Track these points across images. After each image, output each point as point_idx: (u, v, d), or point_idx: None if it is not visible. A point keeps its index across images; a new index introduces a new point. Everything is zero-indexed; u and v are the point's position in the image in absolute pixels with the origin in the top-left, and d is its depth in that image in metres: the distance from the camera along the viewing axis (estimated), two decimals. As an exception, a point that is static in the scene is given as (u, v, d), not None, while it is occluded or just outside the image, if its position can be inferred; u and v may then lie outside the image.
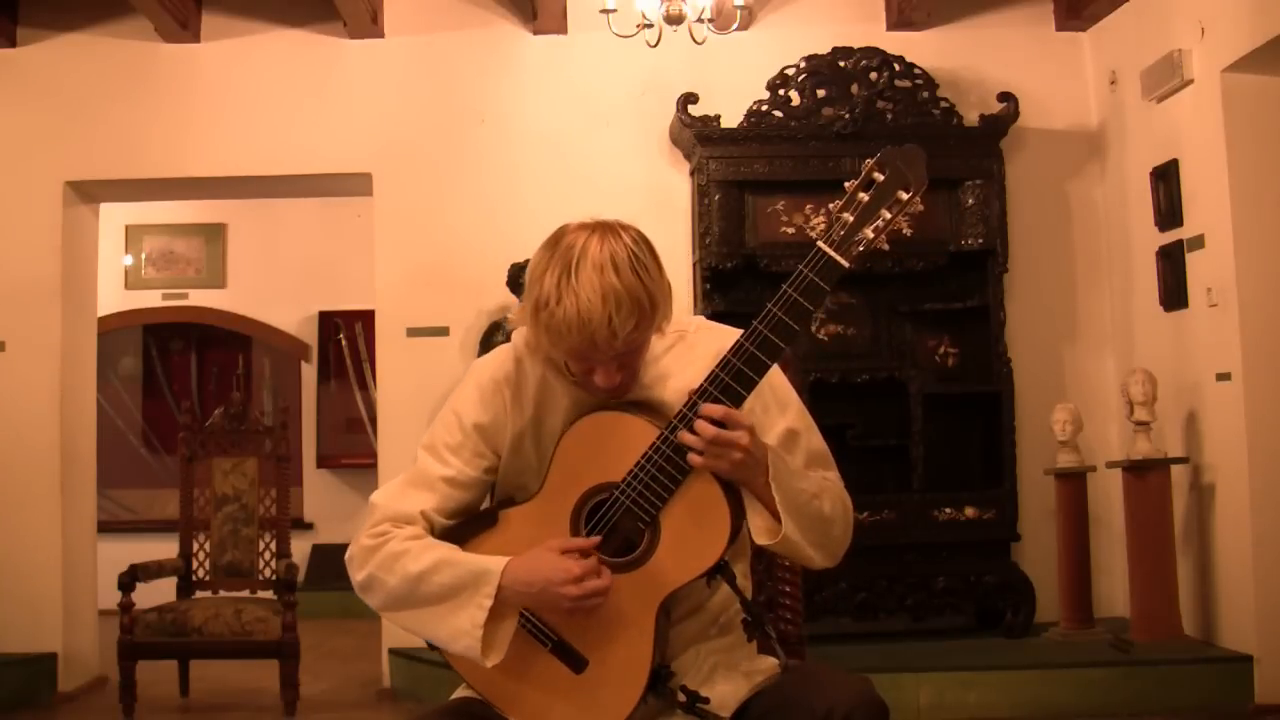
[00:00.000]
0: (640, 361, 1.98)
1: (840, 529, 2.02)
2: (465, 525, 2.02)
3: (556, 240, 1.91)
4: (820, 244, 1.86)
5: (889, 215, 1.86)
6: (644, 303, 1.86)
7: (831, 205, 1.90)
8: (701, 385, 1.89)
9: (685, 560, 1.92)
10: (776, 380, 2.02)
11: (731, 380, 1.87)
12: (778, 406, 2.03)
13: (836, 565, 2.05)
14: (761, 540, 1.93)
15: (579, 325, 1.82)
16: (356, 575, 2.00)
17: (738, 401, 1.88)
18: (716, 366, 1.88)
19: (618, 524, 1.94)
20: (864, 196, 1.86)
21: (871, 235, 1.85)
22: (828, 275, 1.85)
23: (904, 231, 5.52)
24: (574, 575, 1.87)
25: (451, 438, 2.03)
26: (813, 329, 5.52)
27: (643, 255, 1.89)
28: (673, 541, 1.92)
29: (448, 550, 1.96)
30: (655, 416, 1.96)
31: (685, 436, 1.86)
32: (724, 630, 2.06)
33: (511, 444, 2.03)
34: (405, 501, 2.01)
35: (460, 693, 2.08)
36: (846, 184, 1.88)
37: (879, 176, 1.87)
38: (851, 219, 1.86)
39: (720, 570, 1.95)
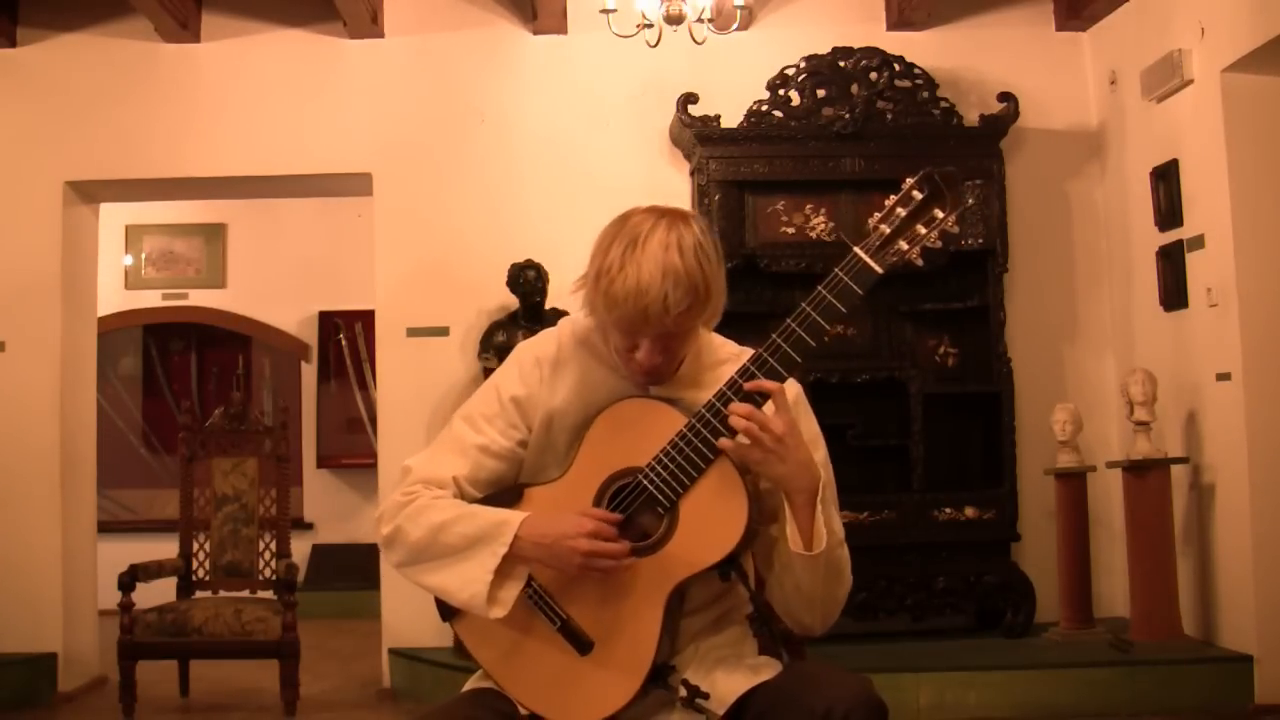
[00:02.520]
0: (683, 350, 2.04)
1: (842, 591, 2.05)
2: (490, 499, 2.06)
3: (625, 218, 2.00)
4: (856, 250, 1.94)
5: (924, 230, 1.93)
6: (699, 288, 1.93)
7: (870, 219, 1.96)
8: (732, 377, 1.95)
9: (700, 549, 1.94)
10: (806, 420, 2.07)
11: (764, 375, 1.93)
12: (810, 444, 2.03)
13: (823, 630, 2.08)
14: (795, 549, 1.95)
15: (635, 295, 1.90)
16: (384, 529, 2.06)
17: (764, 399, 1.93)
18: (749, 360, 1.95)
19: (638, 509, 1.97)
20: (901, 211, 1.94)
21: (906, 247, 1.93)
22: (862, 280, 1.92)
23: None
24: (587, 530, 1.92)
25: (488, 408, 2.10)
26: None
27: (707, 245, 1.96)
28: (689, 530, 1.95)
29: (472, 506, 2.02)
30: (686, 410, 1.99)
31: (734, 406, 1.91)
32: (729, 627, 2.08)
33: (542, 421, 2.08)
34: (439, 466, 2.08)
35: (471, 684, 2.10)
36: (887, 200, 1.95)
37: (917, 194, 1.94)
38: (888, 230, 1.93)
39: (734, 565, 1.96)
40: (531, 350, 2.13)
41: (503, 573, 1.95)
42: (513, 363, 2.14)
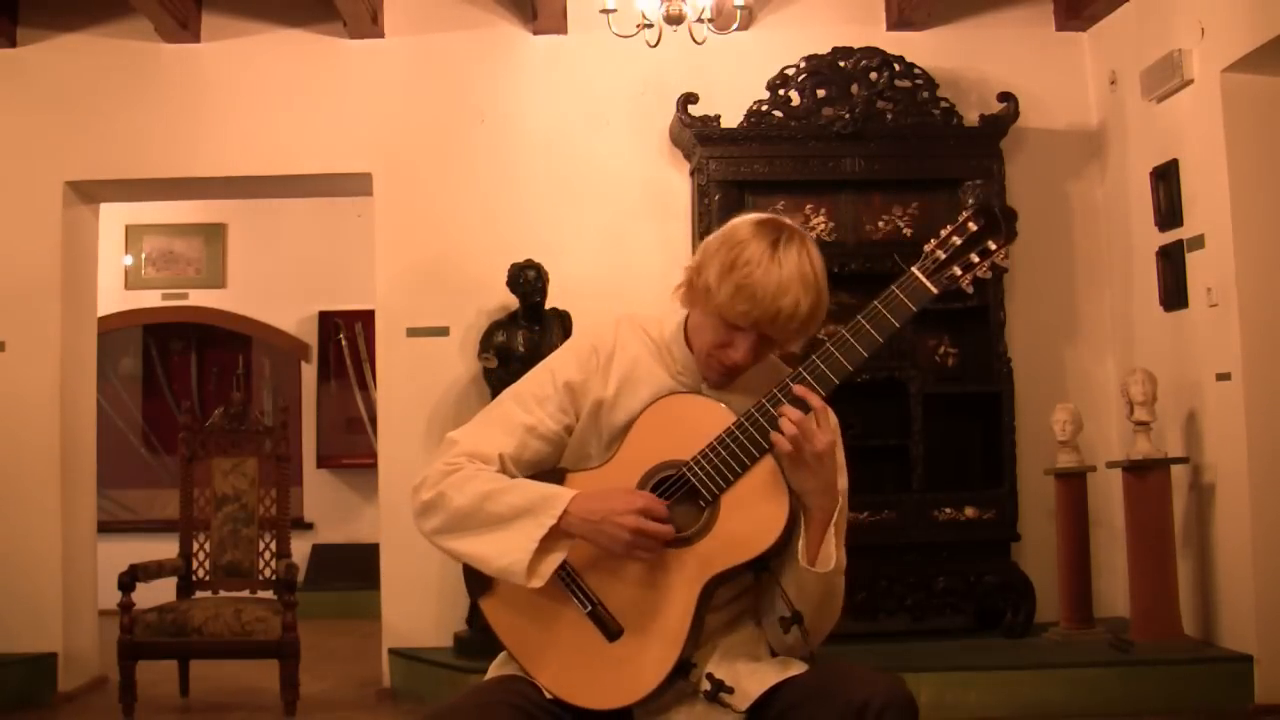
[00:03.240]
0: (764, 356, 2.08)
1: (830, 619, 2.07)
2: (532, 479, 2.06)
3: (764, 220, 2.05)
4: (913, 270, 2.02)
5: (977, 260, 2.01)
6: (821, 304, 2.03)
7: (927, 244, 2.03)
8: (784, 379, 2.00)
9: (737, 545, 1.97)
10: (838, 451, 2.09)
11: (815, 380, 1.99)
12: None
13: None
14: (805, 563, 1.98)
15: (773, 294, 1.96)
16: (423, 495, 2.06)
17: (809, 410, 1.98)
18: (802, 364, 2.00)
19: (680, 501, 1.99)
20: (957, 240, 2.02)
21: (959, 273, 2.01)
22: (916, 297, 2.01)
23: (904, 231, 5.54)
24: (637, 507, 1.94)
25: (541, 390, 2.12)
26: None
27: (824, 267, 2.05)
28: (729, 525, 1.97)
29: (520, 479, 2.05)
30: (733, 407, 2.02)
31: (785, 409, 1.95)
32: (744, 625, 2.09)
33: (591, 409, 2.10)
34: (485, 441, 2.09)
35: (495, 670, 2.11)
36: (944, 229, 2.04)
37: (973, 226, 2.02)
38: (944, 256, 2.02)
39: (767, 563, 1.98)
40: (590, 339, 2.17)
41: (545, 546, 1.96)
42: (570, 348, 2.17)
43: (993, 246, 2.01)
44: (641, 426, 2.04)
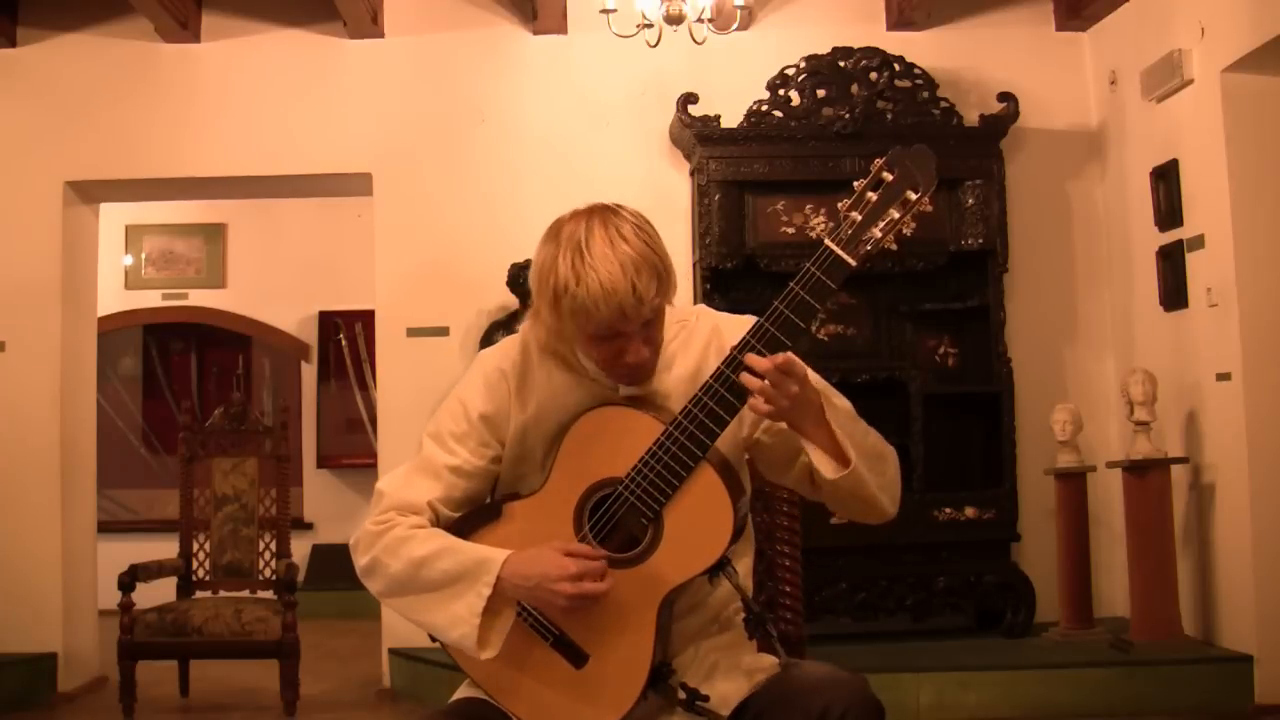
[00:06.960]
0: (660, 335, 1.98)
1: (893, 468, 2.00)
2: (469, 518, 2.03)
3: (557, 231, 1.94)
4: (827, 241, 1.87)
5: (897, 215, 1.86)
6: (658, 265, 1.89)
7: (840, 204, 1.89)
8: (707, 382, 1.90)
9: (687, 557, 1.92)
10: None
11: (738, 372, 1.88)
12: None
13: (884, 520, 2.01)
14: (832, 474, 1.91)
15: (605, 297, 1.84)
16: (360, 560, 2.04)
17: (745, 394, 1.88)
18: (723, 363, 1.89)
19: (621, 520, 1.94)
20: (872, 196, 1.87)
21: (879, 234, 1.86)
22: (835, 274, 1.86)
23: (905, 231, 5.53)
24: (570, 573, 1.88)
25: (457, 427, 2.04)
26: (813, 329, 5.51)
27: (644, 225, 1.93)
28: (675, 538, 1.92)
29: (451, 539, 1.98)
30: (660, 412, 1.97)
31: (749, 365, 1.84)
32: (724, 628, 2.06)
33: (515, 435, 2.04)
34: (412, 490, 2.03)
35: (463, 691, 2.09)
36: (855, 183, 1.88)
37: (887, 176, 1.87)
38: (859, 218, 1.87)
39: (722, 568, 1.95)
40: (494, 360, 2.08)
41: (490, 611, 1.92)
42: (477, 375, 2.07)
43: (913, 197, 1.85)
44: (569, 448, 1.96)
